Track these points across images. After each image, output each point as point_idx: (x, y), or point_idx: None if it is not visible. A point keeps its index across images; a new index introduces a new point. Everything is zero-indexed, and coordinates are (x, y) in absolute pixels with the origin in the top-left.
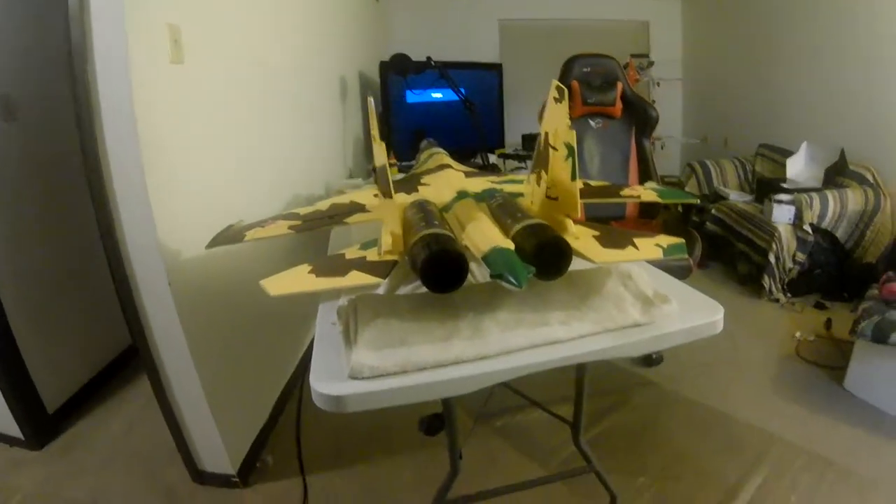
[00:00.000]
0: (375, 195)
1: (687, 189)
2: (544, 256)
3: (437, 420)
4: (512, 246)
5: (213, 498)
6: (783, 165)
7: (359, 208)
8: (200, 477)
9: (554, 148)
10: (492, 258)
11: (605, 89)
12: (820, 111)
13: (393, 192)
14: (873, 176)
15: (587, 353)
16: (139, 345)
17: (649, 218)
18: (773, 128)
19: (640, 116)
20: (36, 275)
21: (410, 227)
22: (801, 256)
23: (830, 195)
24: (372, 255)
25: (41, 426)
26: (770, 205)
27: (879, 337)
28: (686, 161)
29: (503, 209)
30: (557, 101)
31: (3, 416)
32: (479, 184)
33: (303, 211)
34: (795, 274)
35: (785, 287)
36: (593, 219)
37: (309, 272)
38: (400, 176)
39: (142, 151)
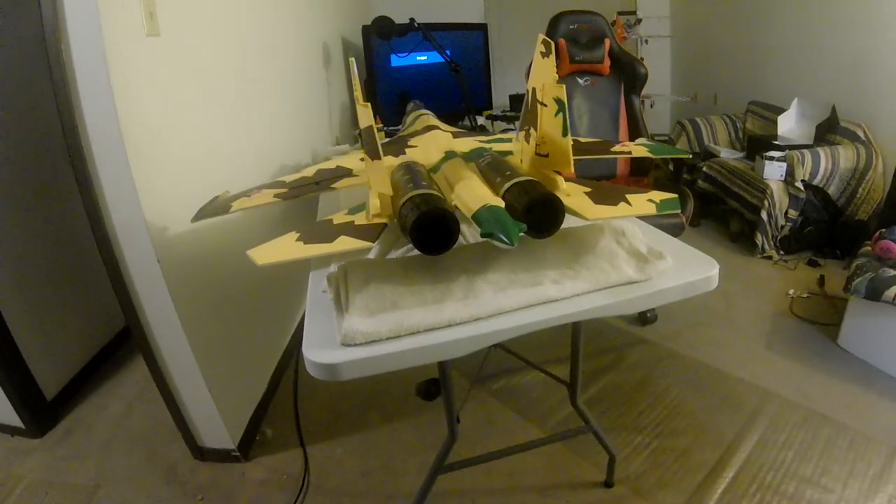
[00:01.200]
0: (362, 159)
1: (677, 146)
2: (536, 213)
3: (434, 385)
4: (502, 204)
5: (215, 473)
6: (774, 122)
7: (345, 173)
8: (201, 453)
9: (543, 104)
10: (482, 216)
11: (592, 46)
12: (811, 68)
13: (381, 153)
14: (865, 133)
15: (582, 311)
16: (132, 325)
17: (641, 176)
18: (764, 85)
19: (628, 73)
20: (26, 261)
21: (398, 189)
22: (793, 213)
23: (822, 152)
24: (360, 219)
25: (40, 414)
26: (761, 162)
27: (873, 294)
28: (676, 119)
29: (492, 167)
30: (544, 55)
31: (2, 406)
32: (467, 144)
33: (288, 179)
34: (788, 231)
35: (777, 244)
36: (584, 177)
37: (296, 240)
38: (387, 140)
39: (122, 128)
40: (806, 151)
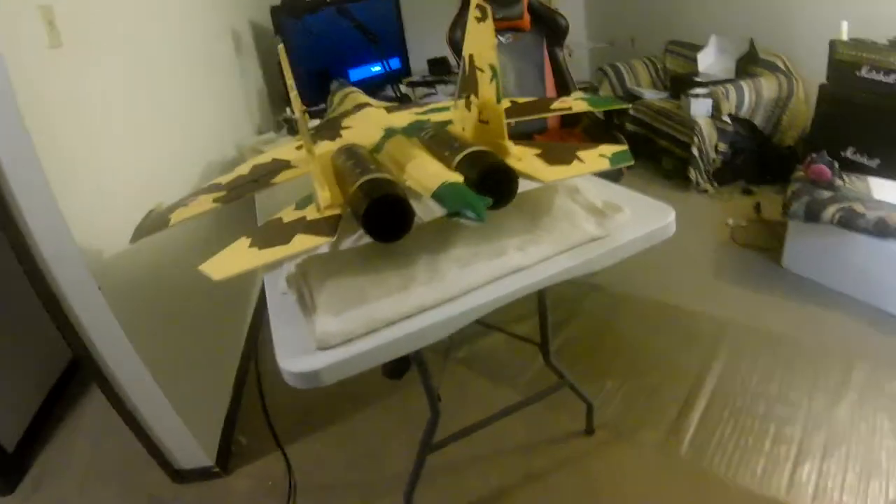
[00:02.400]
0: (299, 147)
1: (601, 93)
2: (490, 184)
3: (401, 363)
4: (461, 178)
5: (199, 493)
6: (694, 60)
7: (283, 165)
8: (180, 476)
9: (480, 70)
10: (444, 194)
11: (511, 3)
12: (724, 3)
13: (313, 141)
14: (784, 63)
15: (549, 276)
16: (83, 358)
17: (571, 127)
18: (680, 24)
19: (549, 27)
20: None
21: (344, 177)
22: (722, 146)
23: (745, 85)
24: (311, 213)
25: (5, 468)
26: (687, 100)
27: (811, 216)
28: (596, 66)
29: (437, 141)
30: (480, 20)
31: None
32: (404, 118)
33: (224, 179)
34: (719, 163)
35: (711, 177)
36: (516, 135)
37: (249, 246)
38: (317, 123)
39: (36, 149)
40: (730, 86)
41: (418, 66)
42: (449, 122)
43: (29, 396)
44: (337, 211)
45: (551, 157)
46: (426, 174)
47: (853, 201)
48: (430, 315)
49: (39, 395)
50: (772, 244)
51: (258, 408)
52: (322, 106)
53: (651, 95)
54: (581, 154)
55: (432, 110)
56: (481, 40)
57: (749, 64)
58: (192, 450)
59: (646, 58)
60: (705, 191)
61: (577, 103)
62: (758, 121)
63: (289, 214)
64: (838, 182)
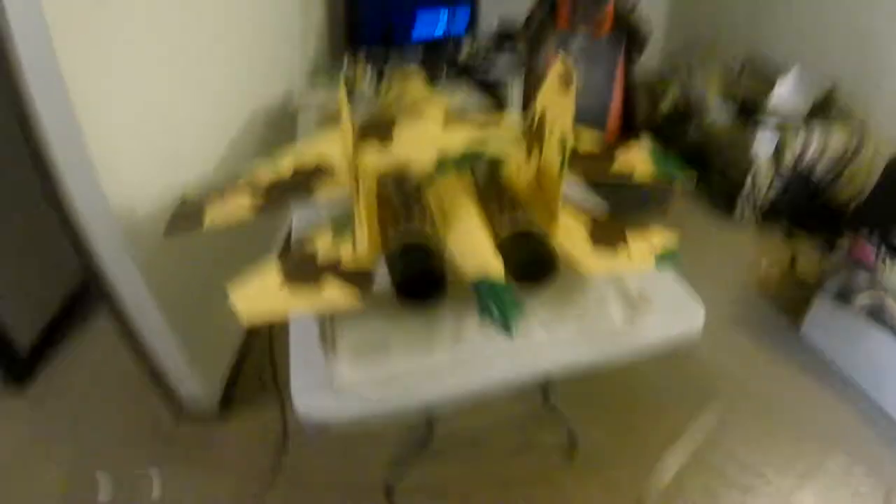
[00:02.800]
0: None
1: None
2: (531, 271)
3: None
4: (501, 271)
5: (197, 430)
6: (771, 83)
7: (326, 171)
8: (182, 410)
9: (551, 132)
10: (482, 290)
11: (599, 1)
12: (818, 34)
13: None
14: (861, 117)
15: (566, 364)
16: (96, 282)
17: (631, 133)
18: (766, 38)
19: (630, 34)
20: None
21: (388, 215)
22: (776, 188)
23: (815, 131)
24: (346, 250)
25: (17, 372)
26: (752, 132)
27: (842, 297)
28: (670, 60)
29: (489, 191)
30: (563, 85)
31: None
32: (459, 139)
33: (264, 177)
34: (767, 202)
35: (756, 212)
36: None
37: (280, 281)
38: (367, 118)
39: (63, 68)
40: (801, 130)
41: (488, 21)
42: (504, 156)
43: (47, 304)
44: (371, 266)
45: (599, 236)
46: (469, 250)
47: (889, 294)
48: (443, 384)
49: (58, 303)
50: (798, 303)
51: (266, 355)
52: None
53: (717, 107)
54: (630, 238)
55: (492, 133)
56: (559, 106)
57: (825, 108)
58: (196, 389)
59: (723, 65)
60: (747, 224)
61: (641, 164)
62: (818, 169)
63: (324, 244)
64: (881, 267)
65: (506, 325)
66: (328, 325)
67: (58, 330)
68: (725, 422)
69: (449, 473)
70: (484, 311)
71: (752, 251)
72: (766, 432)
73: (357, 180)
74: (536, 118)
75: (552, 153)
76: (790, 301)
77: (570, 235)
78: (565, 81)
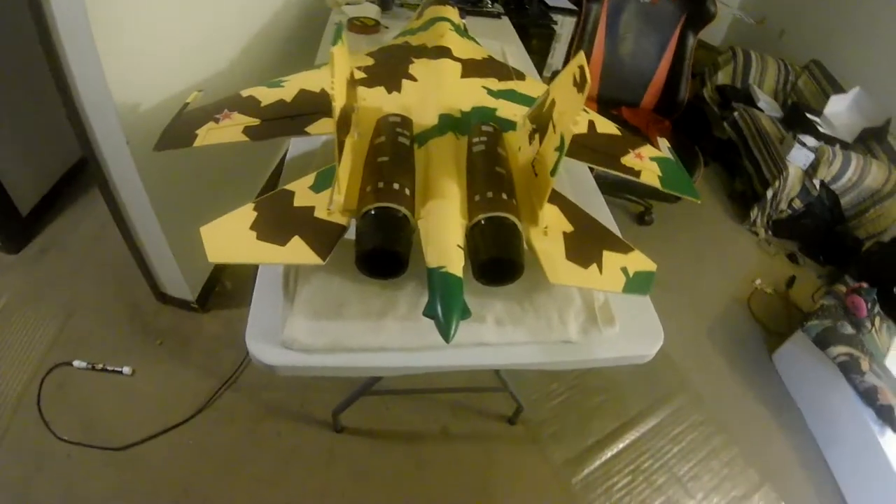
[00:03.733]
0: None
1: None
2: (494, 268)
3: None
4: (461, 268)
5: (175, 319)
6: (826, 96)
7: (328, 105)
8: (164, 298)
9: (554, 127)
10: (434, 281)
11: None
12: (887, 64)
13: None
14: None
15: (511, 363)
16: (92, 170)
17: (665, 116)
18: (834, 48)
19: (695, 6)
20: None
21: (370, 172)
22: (798, 204)
23: (855, 159)
24: (321, 204)
25: (16, 230)
26: (791, 142)
27: (821, 342)
28: (732, 37)
29: (482, 162)
30: (577, 87)
31: None
32: (473, 93)
33: (264, 98)
34: (784, 216)
35: (769, 224)
36: (605, 99)
37: (251, 227)
38: (394, 37)
39: None
40: (839, 151)
41: None
42: (514, 124)
43: (51, 167)
44: (343, 222)
45: (575, 247)
46: (435, 234)
47: (864, 354)
48: (390, 357)
49: (62, 168)
50: (779, 328)
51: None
52: None
53: (766, 106)
54: (606, 256)
55: (508, 92)
56: (570, 105)
57: (873, 139)
58: (178, 282)
59: (782, 60)
60: (756, 234)
61: (648, 170)
62: (845, 200)
63: (302, 191)
64: (867, 325)
65: (445, 331)
66: (292, 277)
67: (58, 197)
68: (670, 428)
69: (395, 415)
70: (429, 306)
71: (752, 264)
72: (706, 450)
73: (343, 126)
74: (547, 104)
75: (550, 149)
76: (775, 323)
77: (546, 237)
78: (579, 84)
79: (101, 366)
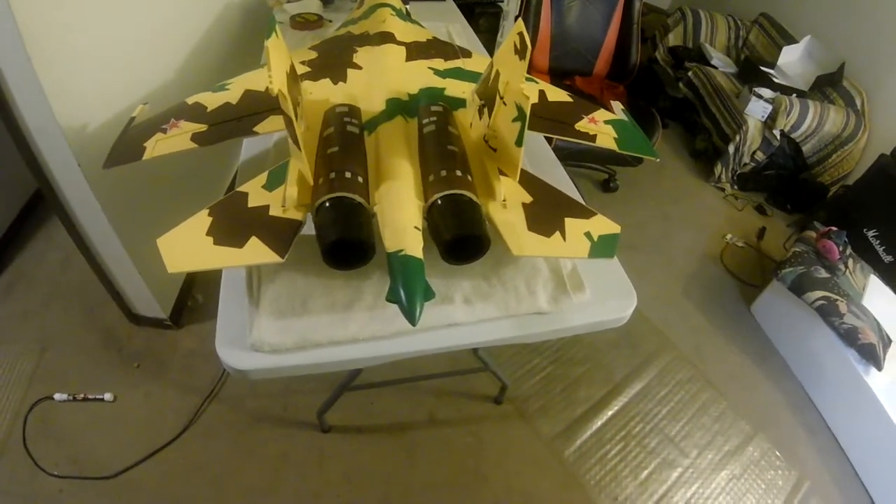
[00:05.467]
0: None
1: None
2: (460, 246)
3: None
4: (420, 249)
5: (150, 339)
6: (778, 48)
7: (274, 104)
8: (136, 319)
9: (504, 103)
10: (394, 266)
11: None
12: (836, 7)
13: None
14: (863, 102)
15: (484, 340)
16: (47, 198)
17: (619, 81)
18: (782, 2)
19: None
20: None
21: (322, 164)
22: (760, 156)
23: (812, 107)
24: (276, 203)
25: None
26: (748, 95)
27: (797, 289)
28: (680, 1)
29: (434, 142)
30: (518, 53)
31: None
32: (420, 74)
33: (209, 103)
34: (748, 170)
35: (734, 178)
36: (557, 71)
37: (207, 233)
38: (336, 29)
39: None
40: (796, 100)
41: None
42: (463, 102)
43: (9, 203)
44: (298, 217)
45: (537, 215)
46: (391, 218)
47: (841, 296)
48: (358, 348)
49: (20, 203)
50: (754, 280)
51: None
52: None
53: (719, 63)
54: (568, 223)
55: (454, 70)
56: (514, 73)
57: (828, 84)
58: (148, 300)
59: (732, 17)
60: (722, 189)
61: (603, 133)
62: (806, 147)
63: (255, 192)
64: (840, 267)
65: (409, 313)
66: (255, 279)
67: (19, 231)
68: (658, 391)
69: (381, 408)
70: (391, 291)
71: (721, 219)
72: (695, 408)
73: (290, 119)
74: (492, 76)
75: (506, 120)
76: (749, 275)
77: (506, 210)
78: (520, 52)
79: (82, 396)
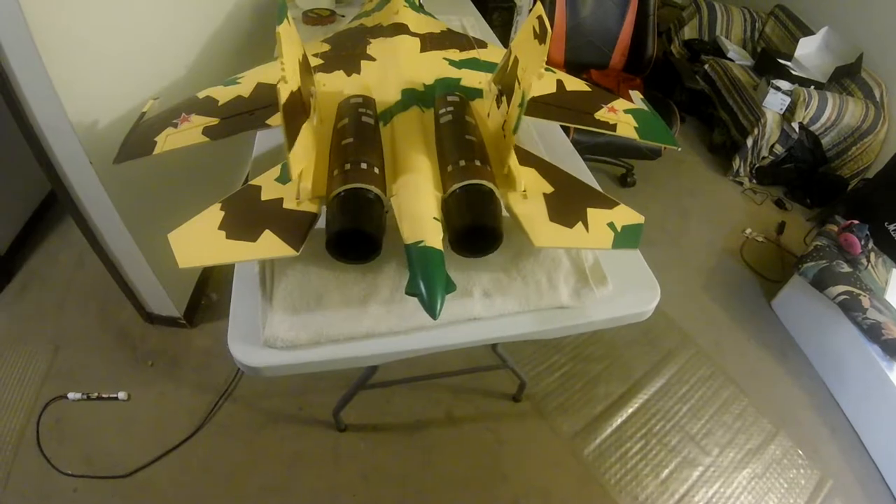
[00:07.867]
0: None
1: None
2: (470, 238)
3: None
4: (440, 239)
5: (164, 338)
6: (795, 40)
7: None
8: (150, 318)
9: (518, 84)
10: (415, 257)
11: None
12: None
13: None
14: (882, 94)
15: (504, 335)
16: (60, 197)
17: (635, 74)
18: None
19: None
20: None
21: (337, 156)
22: (779, 149)
23: (831, 99)
24: (289, 195)
25: None
26: (766, 88)
27: (818, 283)
28: None
29: (451, 133)
30: (538, 39)
31: None
32: (435, 65)
33: (221, 97)
34: (767, 163)
35: (752, 172)
36: (572, 63)
37: (220, 227)
38: (349, 23)
39: None
40: (814, 93)
41: None
42: (480, 92)
43: (24, 201)
44: (313, 209)
45: (558, 206)
46: (409, 209)
47: (863, 291)
48: (374, 343)
49: (35, 200)
50: (775, 275)
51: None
52: None
53: (735, 56)
54: (591, 213)
55: (470, 61)
56: (533, 59)
57: (846, 76)
58: (162, 299)
59: (747, 9)
60: (741, 183)
61: (623, 122)
62: (825, 140)
63: (269, 186)
64: (863, 262)
65: (430, 306)
66: (269, 274)
67: (34, 231)
68: (677, 387)
69: (397, 407)
70: (411, 283)
71: (740, 214)
72: (716, 405)
73: (295, 111)
74: (510, 64)
75: (514, 106)
76: (769, 270)
77: (526, 201)
78: (539, 36)
79: (95, 395)
